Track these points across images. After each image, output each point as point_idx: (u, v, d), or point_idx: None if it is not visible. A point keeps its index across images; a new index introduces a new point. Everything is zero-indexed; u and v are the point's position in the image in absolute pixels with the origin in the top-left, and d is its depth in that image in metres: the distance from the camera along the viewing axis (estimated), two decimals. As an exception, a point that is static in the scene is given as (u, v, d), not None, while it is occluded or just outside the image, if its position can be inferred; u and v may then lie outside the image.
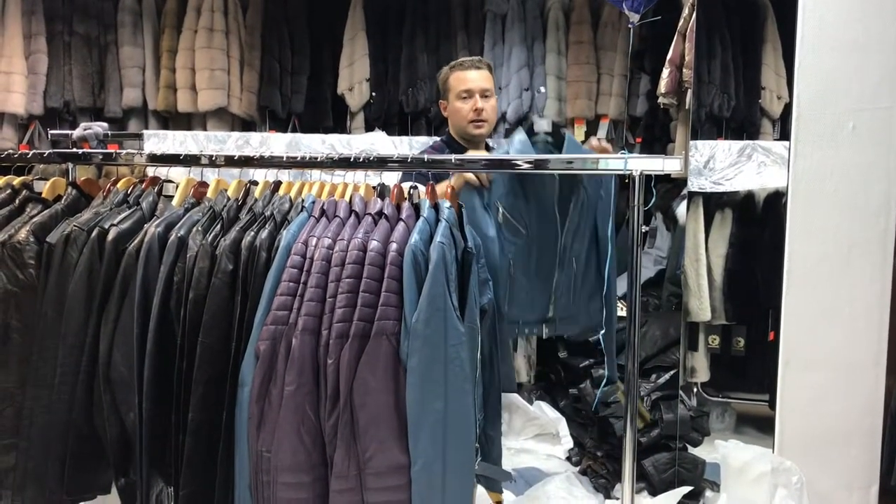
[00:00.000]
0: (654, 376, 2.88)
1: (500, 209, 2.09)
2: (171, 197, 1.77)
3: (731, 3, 3.47)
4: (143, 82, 4.03)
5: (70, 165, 1.98)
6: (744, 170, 3.00)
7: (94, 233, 1.59)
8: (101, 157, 1.93)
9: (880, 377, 2.46)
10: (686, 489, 2.57)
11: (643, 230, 1.90)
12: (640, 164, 1.66)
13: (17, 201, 1.77)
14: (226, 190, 1.73)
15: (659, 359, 2.95)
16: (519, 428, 3.28)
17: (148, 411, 1.51)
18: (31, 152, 1.89)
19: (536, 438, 3.24)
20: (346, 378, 1.38)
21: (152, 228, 1.57)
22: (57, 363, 1.57)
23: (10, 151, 1.93)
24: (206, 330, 1.48)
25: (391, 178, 2.08)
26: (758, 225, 3.12)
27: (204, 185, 1.77)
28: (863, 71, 2.43)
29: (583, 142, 3.11)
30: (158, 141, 3.33)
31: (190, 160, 1.78)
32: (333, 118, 4.11)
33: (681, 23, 2.95)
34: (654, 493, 2.66)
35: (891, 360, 2.47)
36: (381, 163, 1.73)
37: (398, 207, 1.57)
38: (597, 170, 1.92)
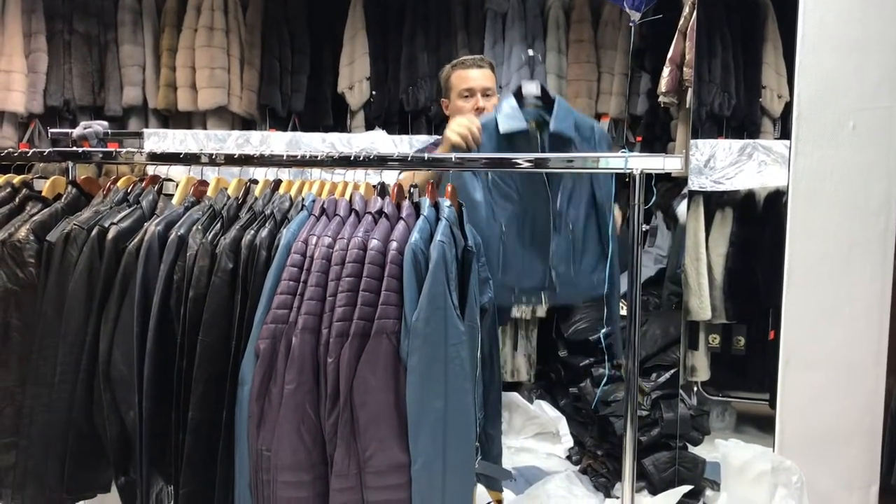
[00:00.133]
0: (654, 375, 2.88)
1: (489, 173, 2.06)
2: (171, 195, 1.77)
3: (732, 2, 3.47)
4: (144, 81, 4.03)
5: (70, 164, 1.98)
6: (744, 169, 3.00)
7: (94, 231, 1.59)
8: (101, 155, 1.93)
9: (880, 376, 2.46)
10: (686, 488, 2.57)
11: (643, 229, 1.89)
12: (641, 162, 1.66)
13: (16, 200, 1.77)
14: (226, 188, 1.73)
15: (659, 358, 2.95)
16: (519, 427, 3.28)
17: (148, 410, 1.51)
18: (32, 151, 1.89)
19: (536, 437, 3.24)
20: (346, 377, 1.38)
21: (152, 227, 1.57)
22: (57, 362, 1.57)
23: (10, 150, 1.92)
24: (206, 328, 1.48)
25: (391, 176, 2.07)
26: (758, 224, 3.12)
27: (204, 183, 1.76)
28: (863, 70, 2.43)
29: None
30: (158, 139, 3.32)
31: (190, 159, 1.78)
32: (334, 117, 4.11)
33: (681, 21, 2.95)
34: (654, 491, 2.66)
35: (891, 359, 2.47)
36: (381, 161, 1.72)
37: (398, 206, 1.57)
38: (597, 168, 1.92)
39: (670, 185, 3.36)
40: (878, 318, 2.45)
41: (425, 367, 1.39)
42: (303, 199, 1.62)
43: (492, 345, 1.72)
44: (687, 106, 2.99)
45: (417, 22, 3.99)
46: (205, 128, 3.95)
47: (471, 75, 2.46)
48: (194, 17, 3.92)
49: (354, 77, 3.96)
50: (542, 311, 3.55)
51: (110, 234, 1.58)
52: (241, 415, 1.44)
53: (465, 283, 1.50)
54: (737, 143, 3.03)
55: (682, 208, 3.12)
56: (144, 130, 3.49)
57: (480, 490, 1.74)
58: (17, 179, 1.83)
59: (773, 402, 2.62)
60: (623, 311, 2.93)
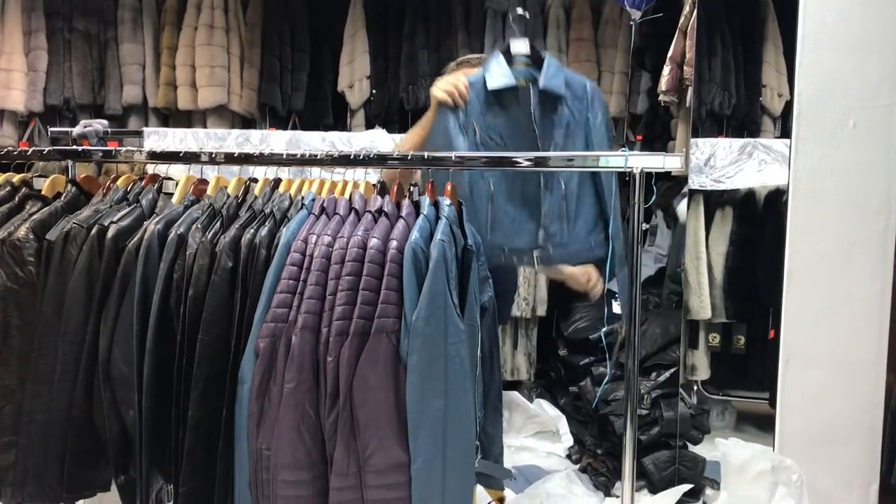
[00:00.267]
0: (654, 374, 2.88)
1: (477, 130, 2.03)
2: (171, 194, 1.77)
3: (732, 1, 3.46)
4: (144, 79, 4.03)
5: (70, 163, 1.98)
6: (744, 168, 3.00)
7: (94, 230, 1.59)
8: (100, 154, 1.93)
9: (881, 375, 2.46)
10: (686, 487, 2.58)
11: (643, 228, 1.88)
12: (641, 161, 1.66)
13: (16, 198, 1.76)
14: (225, 187, 1.73)
15: (659, 357, 2.95)
16: (519, 425, 3.28)
17: (148, 408, 1.51)
18: (31, 149, 1.89)
19: (537, 436, 3.25)
20: (345, 376, 1.38)
21: (152, 226, 1.56)
22: (57, 360, 1.57)
23: (10, 148, 1.92)
24: (205, 327, 1.48)
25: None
26: (758, 223, 3.12)
27: (204, 182, 1.76)
28: (863, 69, 2.43)
29: None
30: (158, 138, 3.33)
31: (190, 157, 1.78)
32: (333, 115, 4.11)
33: (682, 20, 2.95)
34: (654, 490, 2.66)
35: (891, 358, 2.47)
36: (381, 160, 1.72)
37: (398, 205, 1.56)
38: (598, 167, 1.91)
39: (670, 184, 3.36)
40: (878, 317, 2.45)
41: (425, 365, 1.39)
42: (302, 198, 1.62)
43: (492, 343, 1.72)
44: (687, 105, 2.99)
45: (418, 20, 3.99)
46: (205, 126, 3.95)
47: None
48: (194, 15, 3.92)
49: (354, 76, 3.96)
50: (542, 310, 3.56)
51: (110, 233, 1.58)
52: (240, 413, 1.44)
53: (465, 282, 1.50)
54: (737, 142, 3.03)
55: (682, 207, 3.12)
56: (144, 129, 3.50)
57: (480, 490, 1.74)
58: (16, 178, 1.83)
59: (772, 401, 2.63)
60: (617, 309, 2.93)
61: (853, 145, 2.43)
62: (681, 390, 2.87)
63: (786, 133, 2.64)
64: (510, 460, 2.97)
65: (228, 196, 1.67)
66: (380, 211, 1.52)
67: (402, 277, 1.40)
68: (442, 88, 2.01)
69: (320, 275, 1.42)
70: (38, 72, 3.89)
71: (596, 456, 2.91)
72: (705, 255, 3.14)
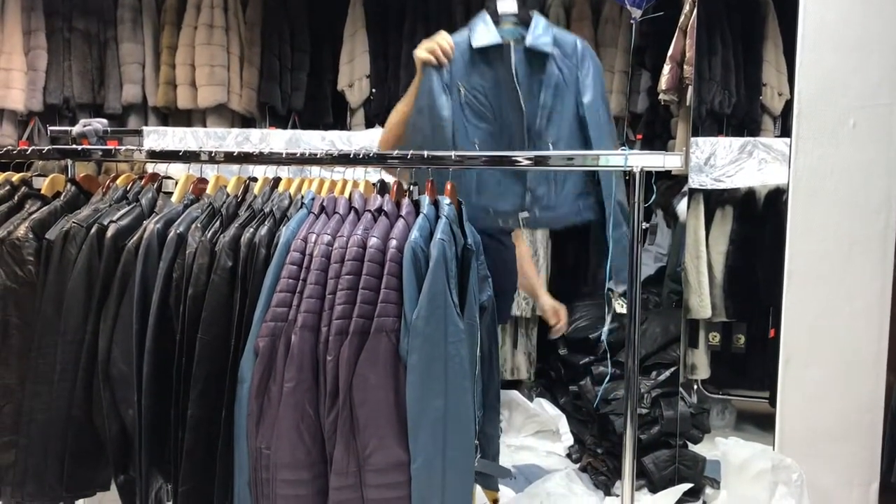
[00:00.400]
0: (654, 373, 2.88)
1: (462, 89, 2.00)
2: (171, 193, 1.77)
3: (732, 0, 3.46)
4: (143, 79, 4.03)
5: (69, 162, 1.98)
6: (744, 167, 3.00)
7: (93, 229, 1.59)
8: (100, 153, 1.93)
9: (881, 374, 2.46)
10: (686, 486, 2.58)
11: (643, 227, 1.87)
12: (641, 160, 1.66)
13: (16, 198, 1.76)
14: (225, 186, 1.73)
15: (659, 356, 2.95)
16: (519, 425, 3.28)
17: (147, 408, 1.51)
18: (31, 149, 1.89)
19: (537, 435, 3.25)
20: (345, 375, 1.38)
21: (151, 225, 1.56)
22: (56, 360, 1.57)
23: (10, 148, 1.92)
24: (205, 326, 1.48)
25: (389, 175, 2.06)
26: (758, 222, 3.12)
27: (203, 181, 1.76)
28: (863, 68, 2.43)
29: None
30: (158, 137, 3.32)
31: (189, 157, 1.78)
32: (333, 115, 4.11)
33: (682, 19, 2.95)
34: (654, 490, 2.66)
35: (891, 357, 2.47)
36: (380, 159, 1.72)
37: (398, 204, 1.56)
38: (598, 166, 1.91)
39: (670, 183, 3.36)
40: (878, 316, 2.45)
41: (425, 365, 1.39)
42: (302, 197, 1.61)
43: (491, 343, 1.72)
44: (687, 104, 2.99)
45: (417, 20, 3.98)
46: (204, 125, 3.95)
47: None
48: (194, 14, 3.92)
49: (354, 75, 3.96)
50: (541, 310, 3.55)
51: (109, 232, 1.58)
52: (240, 413, 1.44)
53: (465, 282, 1.50)
54: (737, 141, 3.03)
55: (682, 206, 3.12)
56: (144, 128, 3.49)
57: (479, 490, 1.74)
58: (16, 177, 1.83)
59: (773, 400, 2.62)
60: (622, 310, 2.93)
61: (853, 144, 2.43)
62: (681, 389, 2.87)
63: (786, 132, 2.64)
64: (510, 459, 2.97)
65: (228, 195, 1.67)
66: (379, 210, 1.52)
67: (401, 277, 1.40)
68: (424, 48, 1.99)
69: (320, 274, 1.42)
70: (37, 71, 3.89)
71: (596, 455, 2.91)
72: (705, 255, 3.14)
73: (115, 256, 1.57)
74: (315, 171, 1.80)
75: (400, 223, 1.48)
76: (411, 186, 1.65)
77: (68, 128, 3.13)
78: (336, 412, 1.39)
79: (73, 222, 1.61)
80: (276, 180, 1.72)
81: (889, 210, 2.43)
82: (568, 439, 3.12)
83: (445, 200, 1.55)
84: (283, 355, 1.40)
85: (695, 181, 3.00)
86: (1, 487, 1.64)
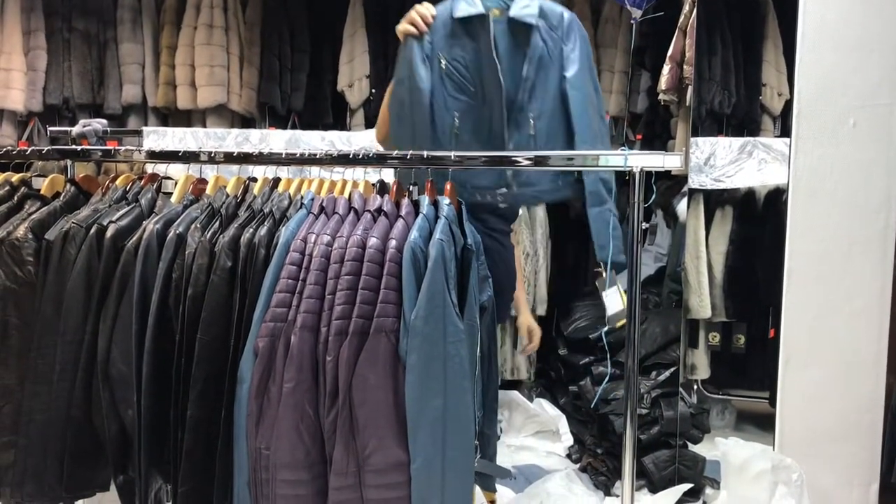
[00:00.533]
0: (654, 373, 2.88)
1: (443, 61, 1.97)
2: (170, 194, 1.77)
3: (732, 0, 3.46)
4: (143, 79, 4.03)
5: (69, 162, 1.98)
6: (744, 167, 3.00)
7: (93, 230, 1.59)
8: (100, 153, 1.93)
9: (881, 374, 2.46)
10: (686, 486, 2.57)
11: (643, 227, 1.87)
12: (641, 160, 1.66)
13: (15, 198, 1.76)
14: (225, 187, 1.73)
15: (659, 356, 2.95)
16: (519, 425, 3.28)
17: (147, 408, 1.51)
18: (30, 149, 1.89)
19: (536, 435, 3.25)
20: (345, 375, 1.38)
21: (151, 225, 1.56)
22: (56, 360, 1.57)
23: (9, 148, 1.92)
24: (204, 327, 1.48)
25: (390, 174, 2.06)
26: (758, 222, 3.12)
27: (203, 181, 1.76)
28: (863, 68, 2.43)
29: None
30: (158, 138, 3.32)
31: (189, 157, 1.78)
32: (333, 115, 4.10)
33: (681, 19, 2.95)
34: (654, 490, 2.66)
35: (891, 357, 2.47)
36: (380, 160, 1.72)
37: (397, 204, 1.56)
38: (597, 166, 1.90)
39: (670, 183, 3.36)
40: (878, 316, 2.45)
41: (424, 365, 1.38)
42: (302, 198, 1.61)
43: (490, 343, 1.71)
44: (687, 104, 2.99)
45: (417, 20, 3.98)
46: (204, 126, 3.95)
47: None
48: (194, 14, 3.92)
49: (354, 75, 3.96)
50: (542, 310, 3.55)
51: (109, 233, 1.58)
52: (239, 413, 1.44)
53: (465, 282, 1.50)
54: (737, 141, 3.03)
55: (682, 206, 3.12)
56: (143, 128, 3.49)
57: (478, 490, 1.74)
58: (15, 177, 1.83)
59: (773, 401, 2.62)
60: (622, 306, 2.92)
61: (853, 144, 2.43)
62: (681, 389, 2.87)
63: (786, 132, 2.64)
64: (510, 459, 2.97)
65: (227, 195, 1.67)
66: (379, 210, 1.52)
67: (401, 277, 1.40)
68: (404, 19, 1.97)
69: (319, 274, 1.42)
70: (37, 71, 3.89)
71: (596, 455, 2.91)
72: (705, 255, 3.14)
73: (115, 257, 1.57)
74: (315, 171, 1.80)
75: (399, 223, 1.48)
76: (411, 186, 1.65)
77: (68, 128, 3.13)
78: (335, 412, 1.39)
79: (73, 223, 1.61)
80: (276, 181, 1.72)
81: (889, 210, 2.43)
82: (568, 439, 3.12)
83: (445, 201, 1.55)
84: (283, 355, 1.40)
85: (695, 181, 3.00)
86: (0, 488, 1.64)
